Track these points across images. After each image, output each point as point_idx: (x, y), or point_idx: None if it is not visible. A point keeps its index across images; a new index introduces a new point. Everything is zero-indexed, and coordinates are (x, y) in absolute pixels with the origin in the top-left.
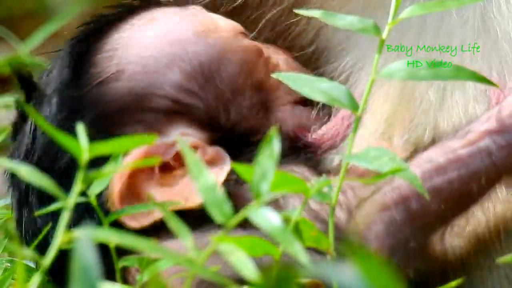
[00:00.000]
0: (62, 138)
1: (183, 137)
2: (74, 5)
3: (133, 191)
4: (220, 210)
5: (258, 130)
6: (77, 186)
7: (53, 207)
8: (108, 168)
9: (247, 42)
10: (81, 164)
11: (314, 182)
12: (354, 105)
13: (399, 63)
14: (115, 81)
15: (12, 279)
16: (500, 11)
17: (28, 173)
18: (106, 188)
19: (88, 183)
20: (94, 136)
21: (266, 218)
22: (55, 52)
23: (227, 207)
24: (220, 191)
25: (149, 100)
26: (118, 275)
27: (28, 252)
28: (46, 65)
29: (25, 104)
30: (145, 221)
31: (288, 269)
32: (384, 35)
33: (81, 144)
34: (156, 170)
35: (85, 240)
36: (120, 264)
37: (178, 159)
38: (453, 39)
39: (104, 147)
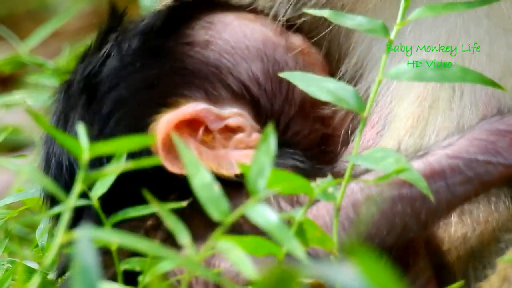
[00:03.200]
0: (62, 138)
1: (236, 116)
2: (74, 5)
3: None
4: (216, 207)
5: (305, 147)
6: (78, 186)
7: (54, 210)
8: (109, 169)
9: None
10: (81, 164)
11: (319, 182)
12: (360, 106)
13: (407, 64)
14: (202, 47)
15: (12, 279)
16: None
17: (30, 173)
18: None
19: (89, 183)
20: (158, 84)
21: (263, 215)
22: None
23: (224, 204)
24: (217, 188)
25: (223, 75)
26: (119, 278)
27: (28, 253)
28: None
29: (30, 109)
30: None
31: (289, 269)
32: (393, 35)
33: (82, 144)
34: (201, 130)
35: (85, 241)
36: (122, 267)
37: (224, 132)
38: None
39: (105, 147)
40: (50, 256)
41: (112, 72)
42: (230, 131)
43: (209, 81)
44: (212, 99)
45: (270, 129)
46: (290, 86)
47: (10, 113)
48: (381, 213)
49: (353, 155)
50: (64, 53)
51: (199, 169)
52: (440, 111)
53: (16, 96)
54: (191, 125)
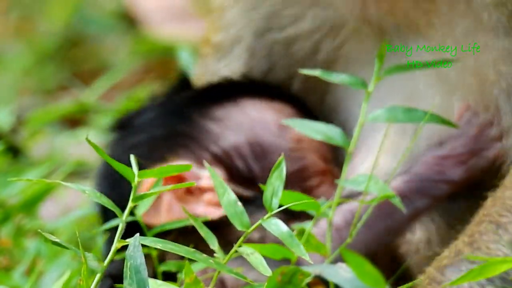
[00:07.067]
0: (117, 165)
1: (209, 178)
2: (128, 63)
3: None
4: (240, 221)
5: None
6: (130, 204)
7: (112, 223)
8: (152, 191)
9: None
10: (133, 186)
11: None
12: (346, 143)
13: (382, 110)
14: (212, 120)
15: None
16: None
17: (90, 193)
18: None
19: (138, 201)
20: (166, 139)
21: (277, 226)
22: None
23: (245, 218)
24: (240, 206)
25: (206, 142)
26: (159, 277)
27: (90, 256)
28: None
29: (92, 143)
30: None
31: (294, 268)
32: (370, 88)
33: (134, 171)
34: (182, 190)
35: (135, 246)
36: (161, 268)
37: (198, 189)
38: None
39: (150, 173)
40: (108, 258)
41: (143, 120)
42: (203, 190)
43: (199, 145)
44: (197, 160)
45: (282, 160)
46: (273, 159)
47: (78, 146)
48: (369, 225)
49: (341, 180)
50: (120, 100)
51: (226, 190)
52: (405, 141)
53: (83, 133)
54: (174, 178)
